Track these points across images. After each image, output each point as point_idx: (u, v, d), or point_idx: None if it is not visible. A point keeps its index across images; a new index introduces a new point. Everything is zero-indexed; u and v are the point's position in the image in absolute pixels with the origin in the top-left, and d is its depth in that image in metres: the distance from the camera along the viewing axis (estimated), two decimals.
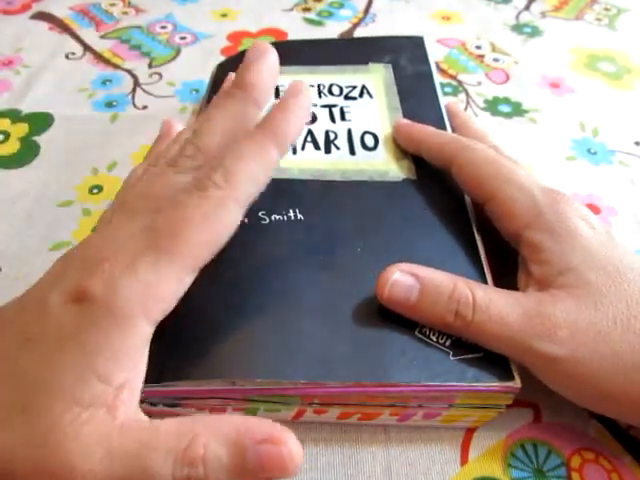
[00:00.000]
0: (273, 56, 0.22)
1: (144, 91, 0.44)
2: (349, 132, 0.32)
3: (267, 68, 0.22)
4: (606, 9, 0.55)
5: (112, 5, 0.55)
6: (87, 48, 0.49)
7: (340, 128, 0.32)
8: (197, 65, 0.47)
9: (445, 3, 0.56)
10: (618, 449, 0.23)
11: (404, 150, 0.30)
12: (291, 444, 0.17)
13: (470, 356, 0.22)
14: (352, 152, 0.31)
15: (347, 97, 0.34)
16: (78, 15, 0.54)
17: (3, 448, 0.16)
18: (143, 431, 0.17)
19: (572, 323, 0.20)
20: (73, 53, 0.48)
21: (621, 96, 0.44)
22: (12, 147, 0.39)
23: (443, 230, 0.26)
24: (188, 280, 0.19)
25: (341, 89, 0.35)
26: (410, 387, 0.21)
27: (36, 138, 0.39)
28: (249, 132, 0.20)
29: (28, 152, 0.38)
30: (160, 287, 0.18)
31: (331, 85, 0.35)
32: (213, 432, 0.17)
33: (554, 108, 0.42)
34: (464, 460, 0.23)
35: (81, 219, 0.33)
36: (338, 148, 0.31)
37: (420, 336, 0.22)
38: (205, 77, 0.44)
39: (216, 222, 0.19)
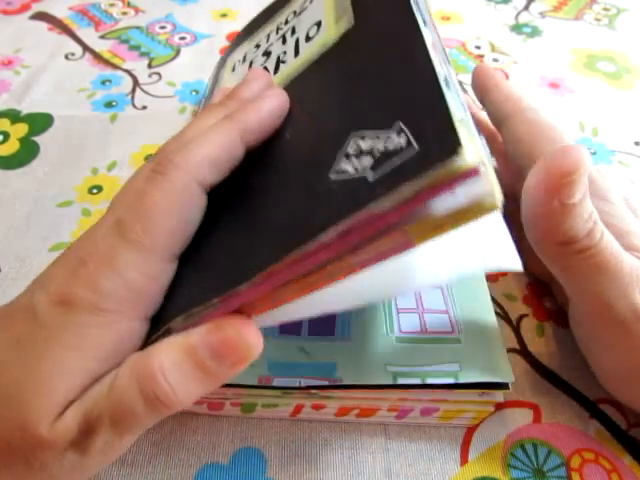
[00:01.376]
0: (268, 79, 0.24)
1: (144, 91, 0.44)
2: (296, 40, 0.28)
3: (261, 88, 0.24)
4: (605, 9, 0.55)
5: (111, 5, 0.55)
6: (86, 48, 0.49)
7: (289, 44, 0.29)
8: (197, 65, 0.47)
9: (445, 3, 0.56)
10: (618, 449, 0.23)
11: (344, 9, 0.25)
12: (236, 323, 0.17)
13: (400, 159, 0.15)
14: (297, 54, 0.27)
15: (299, 13, 0.31)
16: (77, 15, 0.54)
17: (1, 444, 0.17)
18: (109, 375, 0.18)
19: None
20: (73, 53, 0.48)
21: (621, 96, 0.44)
22: (12, 147, 0.39)
23: (390, 76, 0.19)
24: (171, 268, 0.19)
25: (295, 12, 0.32)
26: (335, 243, 0.15)
27: (36, 138, 0.39)
28: (218, 121, 0.21)
29: (28, 152, 0.38)
30: (144, 283, 0.18)
31: (287, 16, 0.32)
32: (165, 345, 0.18)
33: (553, 108, 0.42)
34: (464, 460, 0.23)
35: (81, 219, 0.33)
36: (284, 62, 0.28)
37: (336, 178, 0.17)
38: (205, 77, 0.44)
39: (181, 204, 0.19)
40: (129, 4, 0.55)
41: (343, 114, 0.19)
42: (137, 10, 0.55)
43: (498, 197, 0.14)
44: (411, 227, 0.15)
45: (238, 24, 0.52)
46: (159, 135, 0.40)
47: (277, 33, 0.32)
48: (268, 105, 0.22)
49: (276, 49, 0.30)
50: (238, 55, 0.35)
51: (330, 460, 0.23)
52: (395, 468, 0.23)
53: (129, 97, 0.43)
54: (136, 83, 0.45)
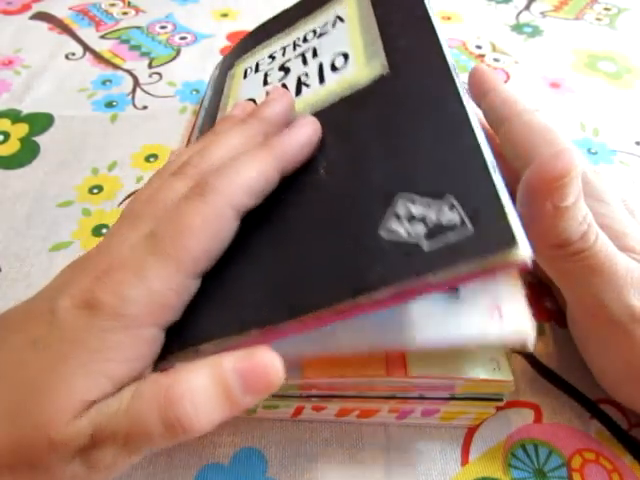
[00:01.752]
0: (290, 99, 0.25)
1: (144, 91, 0.44)
2: (320, 65, 0.29)
3: (283, 109, 0.24)
4: (606, 9, 0.55)
5: (112, 5, 0.55)
6: (87, 48, 0.49)
7: (312, 66, 0.29)
8: (197, 65, 0.47)
9: (445, 3, 0.56)
10: (619, 449, 0.23)
11: (374, 50, 0.26)
12: (266, 355, 0.17)
13: (455, 238, 0.17)
14: (322, 80, 0.27)
15: (320, 35, 0.31)
16: (78, 15, 0.54)
17: (10, 443, 0.17)
18: (128, 389, 0.18)
19: None
20: (73, 53, 0.48)
21: (621, 96, 0.44)
22: (12, 147, 0.39)
23: (429, 124, 0.21)
24: (193, 286, 0.19)
25: (315, 32, 0.32)
26: (381, 303, 0.17)
27: (36, 138, 0.39)
28: (254, 149, 0.22)
29: (28, 152, 0.38)
30: (166, 294, 0.18)
31: (305, 34, 0.32)
32: (193, 369, 0.18)
33: (554, 108, 0.42)
34: (465, 460, 0.23)
35: (81, 219, 0.33)
36: (308, 85, 0.28)
37: (385, 235, 0.18)
38: (205, 77, 0.44)
39: (215, 227, 0.19)
40: (129, 4, 0.55)
41: (388, 170, 0.20)
42: (137, 10, 0.55)
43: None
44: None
45: (238, 24, 0.53)
46: (160, 135, 0.40)
47: (294, 49, 0.32)
48: (303, 135, 0.22)
49: (295, 68, 0.30)
50: (249, 62, 0.35)
51: (330, 460, 0.23)
52: (395, 468, 0.23)
53: (129, 97, 0.43)
54: (136, 83, 0.45)
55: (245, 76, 0.34)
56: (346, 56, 0.28)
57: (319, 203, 0.21)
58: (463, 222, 0.17)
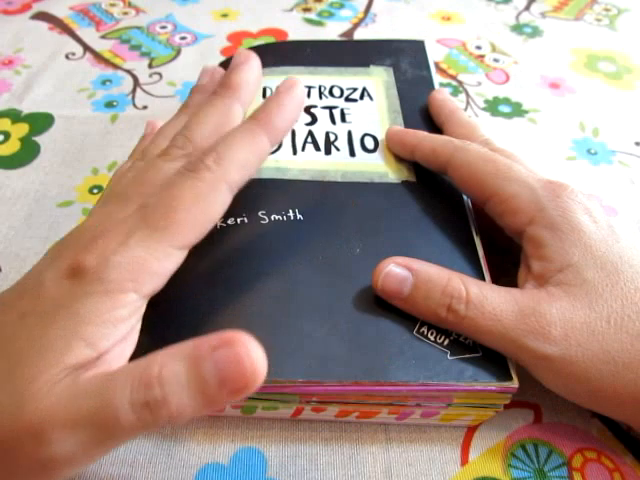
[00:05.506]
0: (257, 62, 0.25)
1: (144, 91, 0.44)
2: (349, 134, 0.32)
3: (252, 72, 0.25)
4: (606, 9, 0.55)
5: (112, 5, 0.55)
6: (87, 48, 0.49)
7: (340, 130, 0.32)
8: (197, 65, 0.47)
9: (445, 3, 0.56)
10: (621, 448, 0.23)
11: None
12: (249, 344, 0.15)
13: (468, 356, 0.22)
14: (352, 154, 0.31)
15: (348, 99, 0.34)
16: (78, 15, 0.54)
17: None
18: (105, 373, 0.17)
19: (566, 322, 0.20)
20: (73, 53, 0.48)
21: (621, 96, 0.44)
22: (12, 147, 0.39)
23: (442, 231, 0.26)
24: (178, 256, 0.20)
25: (342, 91, 0.35)
26: (408, 386, 0.21)
27: (36, 138, 0.39)
28: (243, 123, 0.22)
29: (28, 152, 0.38)
30: (150, 262, 0.19)
31: (332, 87, 0.35)
32: (169, 351, 0.17)
33: (554, 108, 0.42)
34: (464, 460, 0.23)
35: (81, 219, 0.33)
36: (338, 149, 0.31)
37: (418, 336, 0.22)
38: None
39: (207, 203, 0.20)
40: (130, 4, 0.55)
41: None
42: (138, 10, 0.55)
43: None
44: (459, 394, 0.22)
45: (238, 24, 0.53)
46: None
47: (320, 97, 0.34)
48: (292, 103, 0.23)
49: (323, 120, 0.33)
50: (267, 80, 0.36)
51: (330, 460, 0.23)
52: (395, 468, 0.23)
53: (130, 97, 0.43)
54: (137, 83, 0.45)
55: (264, 95, 0.35)
56: (376, 141, 0.31)
57: (354, 280, 0.24)
58: (475, 345, 0.22)
